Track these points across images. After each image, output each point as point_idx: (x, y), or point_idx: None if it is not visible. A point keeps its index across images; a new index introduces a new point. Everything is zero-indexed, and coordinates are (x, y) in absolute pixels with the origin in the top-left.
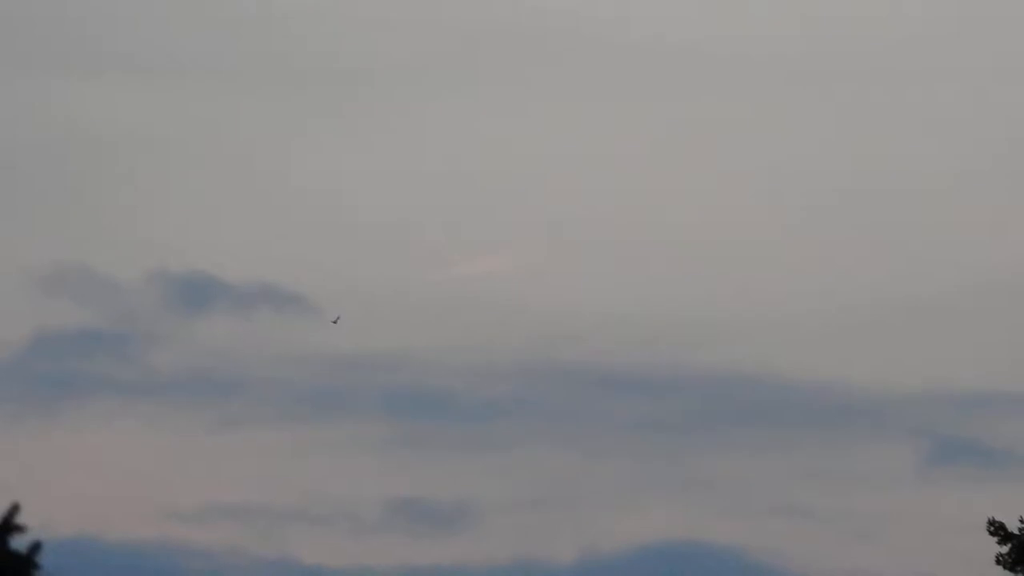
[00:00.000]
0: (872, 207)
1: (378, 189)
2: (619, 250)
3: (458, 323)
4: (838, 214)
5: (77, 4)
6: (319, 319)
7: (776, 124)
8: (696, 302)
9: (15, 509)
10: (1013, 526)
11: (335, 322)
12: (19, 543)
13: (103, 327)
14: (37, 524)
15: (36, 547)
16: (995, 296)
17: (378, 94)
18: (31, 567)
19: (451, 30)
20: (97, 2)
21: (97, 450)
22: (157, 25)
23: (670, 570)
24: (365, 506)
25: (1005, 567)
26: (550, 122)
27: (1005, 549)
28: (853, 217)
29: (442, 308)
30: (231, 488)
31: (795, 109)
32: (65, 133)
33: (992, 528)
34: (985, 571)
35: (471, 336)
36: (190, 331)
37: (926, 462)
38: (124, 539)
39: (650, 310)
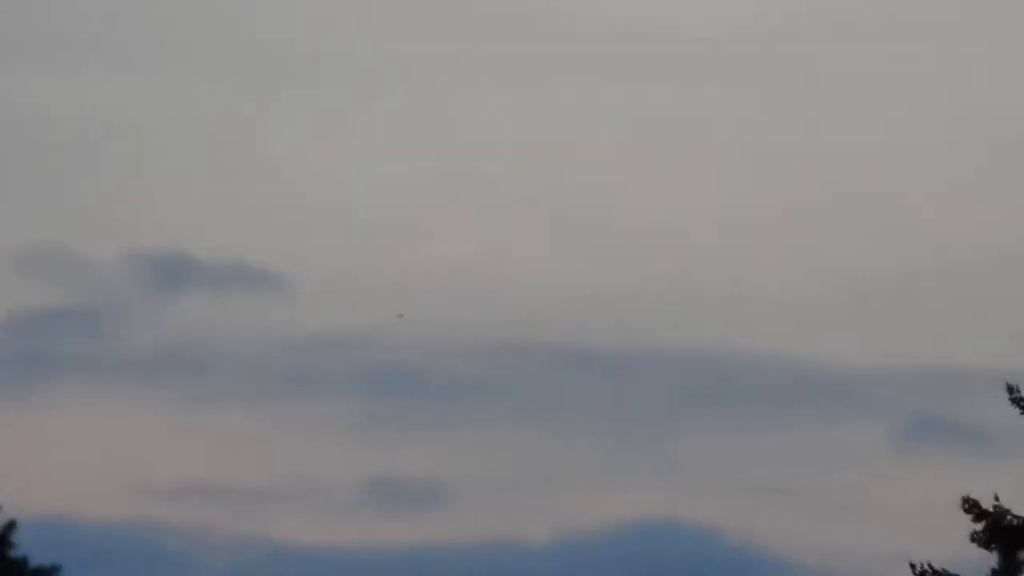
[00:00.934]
0: (842, 184)
1: (351, 168)
2: (591, 229)
3: (431, 302)
4: (808, 191)
5: None
6: (292, 298)
7: (774, 98)
8: (667, 281)
9: None
10: (988, 503)
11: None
12: None
13: (77, 306)
14: (12, 503)
15: (11, 525)
16: (969, 272)
17: (352, 74)
18: (6, 546)
19: (430, 9)
20: None
21: (71, 429)
22: (129, 6)
23: (645, 549)
24: (339, 485)
25: (980, 544)
26: (527, 101)
27: (980, 527)
28: (824, 194)
29: (415, 287)
30: (205, 466)
31: (776, 91)
32: (38, 114)
33: (967, 506)
34: (960, 548)
35: (444, 315)
36: (164, 310)
37: (901, 439)
38: (99, 517)
39: (622, 289)
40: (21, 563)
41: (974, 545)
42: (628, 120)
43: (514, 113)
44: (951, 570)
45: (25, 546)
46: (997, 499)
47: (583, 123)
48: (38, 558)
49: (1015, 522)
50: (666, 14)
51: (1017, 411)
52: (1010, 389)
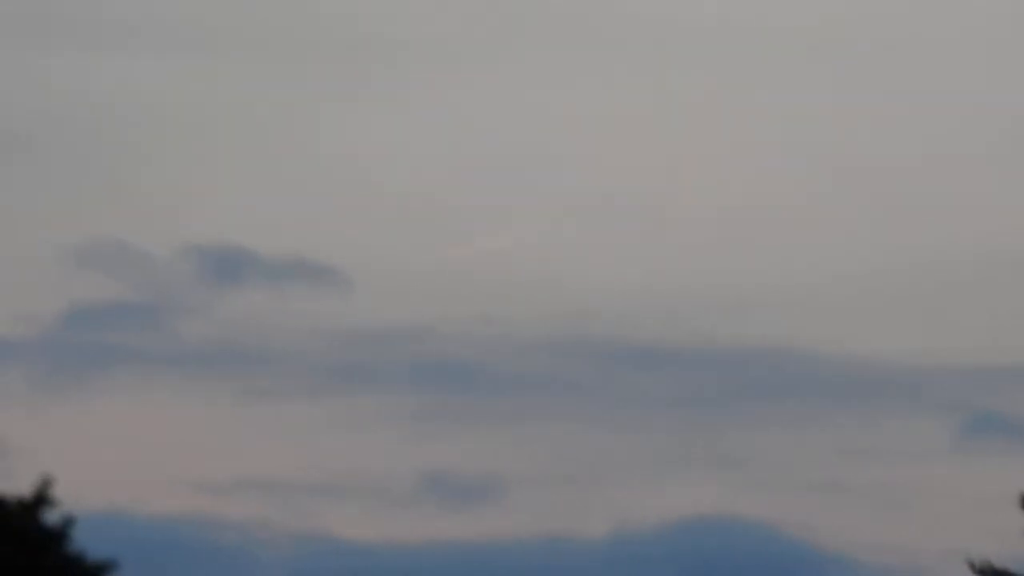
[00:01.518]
0: (906, 176)
1: (408, 161)
2: (650, 222)
3: (488, 296)
4: (872, 184)
5: None
6: (349, 292)
7: (814, 92)
8: (728, 275)
9: (47, 483)
10: None
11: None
12: (51, 517)
13: (135, 300)
14: (69, 498)
15: (69, 521)
16: None
17: (408, 64)
18: (63, 541)
19: (493, 2)
20: None
21: (129, 423)
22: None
23: (702, 545)
24: (396, 479)
25: None
26: (582, 94)
27: None
28: (888, 187)
29: (473, 280)
30: (262, 461)
31: (836, 76)
32: (96, 108)
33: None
34: (1018, 545)
35: (502, 309)
36: (221, 304)
37: (960, 436)
38: (156, 512)
39: (682, 283)
40: (78, 559)
41: None
42: (694, 114)
43: (569, 107)
44: (1011, 567)
45: (82, 541)
46: None
47: (638, 117)
48: (95, 554)
49: None
50: (716, 8)
51: None
52: None
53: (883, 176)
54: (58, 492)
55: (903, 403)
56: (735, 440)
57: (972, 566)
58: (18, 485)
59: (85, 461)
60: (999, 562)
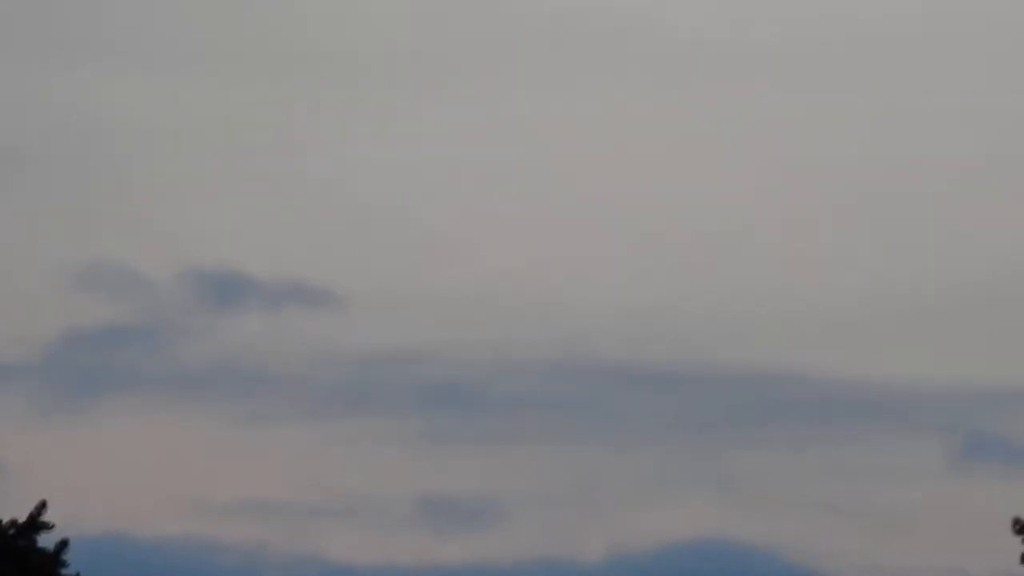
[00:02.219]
0: (899, 202)
1: (406, 185)
2: (648, 244)
3: (485, 318)
4: (866, 210)
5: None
6: (346, 315)
7: (802, 118)
8: (726, 298)
9: (42, 506)
10: None
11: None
12: (46, 541)
13: (133, 323)
14: (65, 521)
15: (63, 545)
16: None
17: (407, 89)
18: (58, 565)
19: (474, 17)
20: None
21: (127, 446)
22: (176, 19)
23: (700, 567)
24: (393, 502)
25: None
26: (578, 114)
27: None
28: (881, 212)
29: (471, 303)
30: (261, 484)
31: (827, 102)
32: (96, 132)
33: (1018, 527)
34: (1013, 568)
35: (498, 331)
36: (220, 327)
37: (955, 458)
38: (153, 535)
39: (679, 305)
40: None
41: None
42: (687, 136)
43: (567, 129)
44: None
45: (79, 563)
46: None
47: (635, 134)
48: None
49: None
50: (722, 25)
51: None
52: None
53: (877, 201)
54: (56, 515)
55: (899, 425)
56: (732, 462)
57: None
58: (17, 508)
59: (84, 484)
60: None
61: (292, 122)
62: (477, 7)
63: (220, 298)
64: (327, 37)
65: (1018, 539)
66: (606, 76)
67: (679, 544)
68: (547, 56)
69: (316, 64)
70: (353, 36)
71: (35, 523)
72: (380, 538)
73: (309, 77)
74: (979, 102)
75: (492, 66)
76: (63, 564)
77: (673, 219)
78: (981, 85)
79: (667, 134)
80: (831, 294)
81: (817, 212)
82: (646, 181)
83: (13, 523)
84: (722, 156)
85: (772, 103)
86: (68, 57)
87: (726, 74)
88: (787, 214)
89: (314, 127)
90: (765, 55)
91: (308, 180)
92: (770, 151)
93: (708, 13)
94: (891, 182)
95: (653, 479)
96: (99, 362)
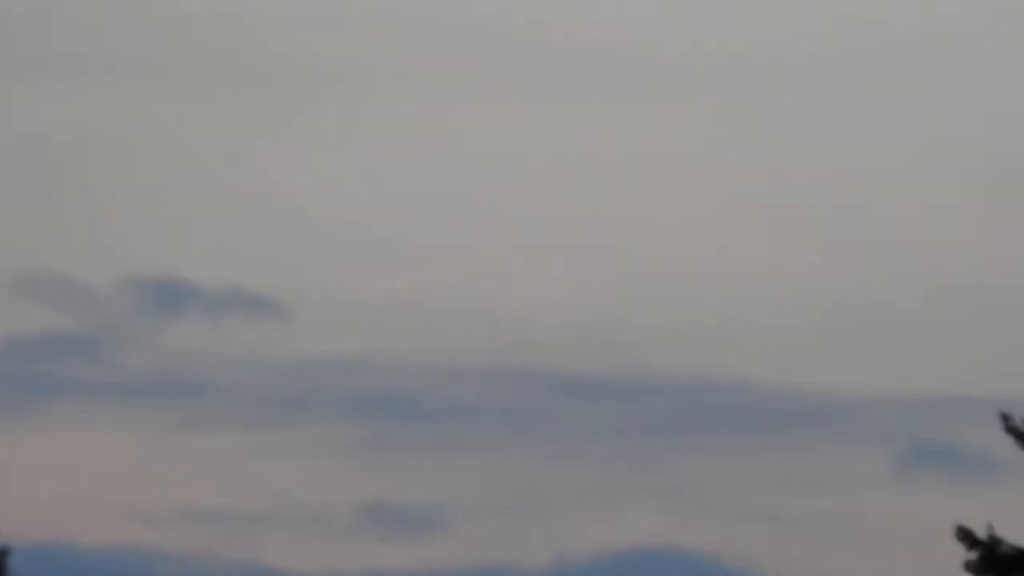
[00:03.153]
0: (842, 214)
1: (347, 194)
2: (587, 255)
3: (425, 327)
4: (807, 221)
5: (37, 6)
6: (289, 323)
7: (756, 129)
8: (665, 307)
9: None
10: (983, 532)
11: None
12: None
13: (74, 331)
14: (7, 528)
15: (5, 552)
16: (967, 301)
17: (346, 96)
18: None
19: (420, 30)
20: (58, 4)
21: (66, 454)
22: (119, 25)
23: (643, 575)
24: (334, 510)
25: (973, 573)
26: (520, 125)
27: (974, 556)
28: (822, 223)
29: (412, 312)
30: (201, 492)
31: (772, 115)
32: (34, 140)
33: (961, 535)
34: (956, 574)
35: (438, 340)
36: (161, 335)
37: (898, 467)
38: (94, 543)
39: (619, 315)
40: None
41: (969, 573)
42: (631, 146)
43: (508, 141)
44: None
45: (20, 572)
46: (992, 528)
47: (576, 147)
48: None
49: (1009, 551)
50: (682, 41)
51: (1011, 440)
52: (1004, 418)
53: (821, 211)
54: None
55: (842, 434)
56: (676, 471)
57: None
58: None
59: (24, 492)
60: None
61: (233, 131)
62: (426, 19)
63: (160, 306)
64: (271, 47)
65: (961, 547)
66: (555, 87)
67: (623, 552)
68: (494, 68)
69: (258, 74)
70: (298, 46)
71: None
72: (323, 546)
73: (251, 87)
74: (929, 114)
75: (438, 77)
76: (5, 572)
77: (613, 230)
78: (935, 100)
79: (609, 147)
80: (774, 303)
81: (759, 221)
82: (587, 193)
83: None
84: (664, 167)
85: (720, 116)
86: (4, 68)
87: (681, 88)
88: (729, 223)
89: (255, 136)
90: (722, 69)
91: (249, 188)
92: (711, 163)
93: (667, 29)
94: (834, 193)
95: (596, 488)
96: (39, 369)
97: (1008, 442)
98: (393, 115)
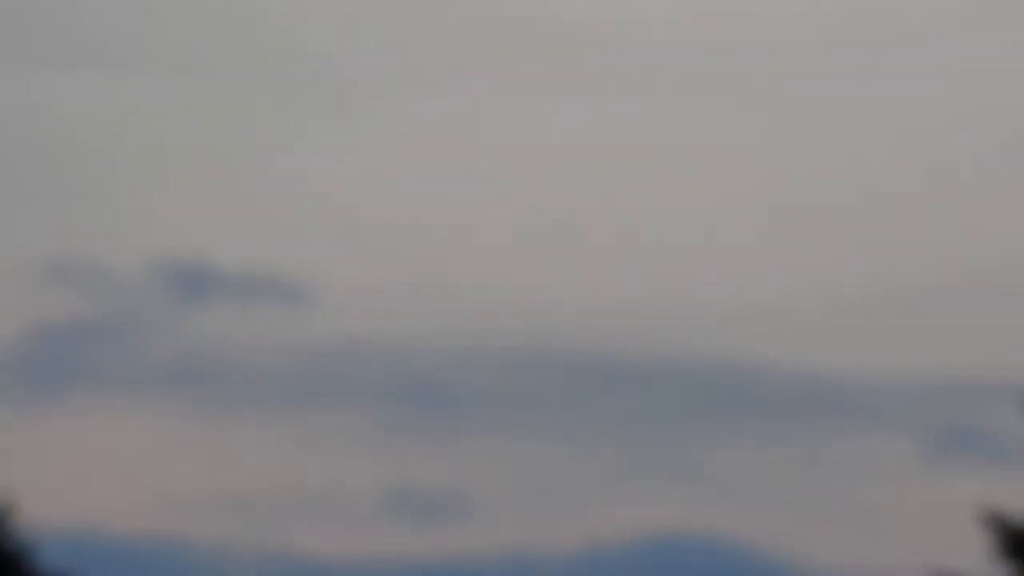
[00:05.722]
0: (865, 195)
1: (373, 178)
2: (611, 240)
3: (454, 312)
4: (832, 202)
5: None
6: (315, 307)
7: (760, 117)
8: (691, 291)
9: (11, 502)
10: (1010, 518)
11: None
12: (16, 537)
13: (100, 316)
14: (34, 517)
15: (34, 541)
16: (995, 284)
17: (372, 84)
18: (28, 561)
19: (449, 26)
20: None
21: (94, 441)
22: (144, 9)
23: (672, 560)
24: (362, 495)
25: (1002, 558)
26: (544, 117)
27: (1002, 541)
28: (847, 205)
29: (438, 296)
30: (229, 479)
31: (776, 102)
32: (62, 125)
33: (988, 521)
34: (983, 560)
35: (468, 325)
36: (187, 320)
37: (927, 452)
38: (123, 531)
39: (644, 300)
40: None
41: (997, 559)
42: (649, 137)
43: (524, 126)
44: None
45: (47, 560)
46: (1021, 514)
47: (598, 135)
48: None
49: None
50: (691, 33)
51: None
52: None
53: (847, 197)
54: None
55: (870, 419)
56: (705, 456)
57: None
58: None
59: (51, 479)
60: None
61: (260, 116)
62: (446, 10)
63: (187, 291)
64: (298, 33)
65: (988, 533)
66: (574, 78)
67: (651, 537)
68: (515, 57)
69: (284, 59)
70: (325, 33)
71: (4, 519)
72: (350, 531)
73: (277, 72)
74: (934, 102)
75: (463, 65)
76: (33, 560)
77: (637, 215)
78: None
79: (629, 135)
80: (800, 288)
81: (779, 205)
82: (611, 179)
83: None
84: (686, 155)
85: (733, 103)
86: (35, 53)
87: (690, 77)
88: (748, 208)
89: (283, 122)
90: (728, 60)
91: (275, 174)
92: (732, 150)
93: (678, 22)
94: (852, 177)
95: (625, 473)
96: (65, 355)
97: None
98: (418, 103)
